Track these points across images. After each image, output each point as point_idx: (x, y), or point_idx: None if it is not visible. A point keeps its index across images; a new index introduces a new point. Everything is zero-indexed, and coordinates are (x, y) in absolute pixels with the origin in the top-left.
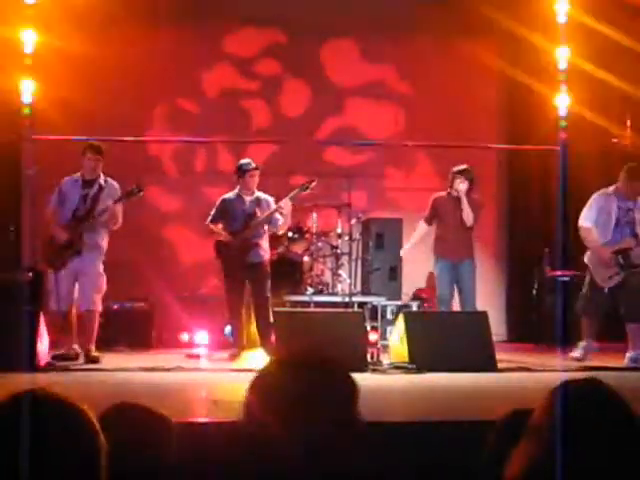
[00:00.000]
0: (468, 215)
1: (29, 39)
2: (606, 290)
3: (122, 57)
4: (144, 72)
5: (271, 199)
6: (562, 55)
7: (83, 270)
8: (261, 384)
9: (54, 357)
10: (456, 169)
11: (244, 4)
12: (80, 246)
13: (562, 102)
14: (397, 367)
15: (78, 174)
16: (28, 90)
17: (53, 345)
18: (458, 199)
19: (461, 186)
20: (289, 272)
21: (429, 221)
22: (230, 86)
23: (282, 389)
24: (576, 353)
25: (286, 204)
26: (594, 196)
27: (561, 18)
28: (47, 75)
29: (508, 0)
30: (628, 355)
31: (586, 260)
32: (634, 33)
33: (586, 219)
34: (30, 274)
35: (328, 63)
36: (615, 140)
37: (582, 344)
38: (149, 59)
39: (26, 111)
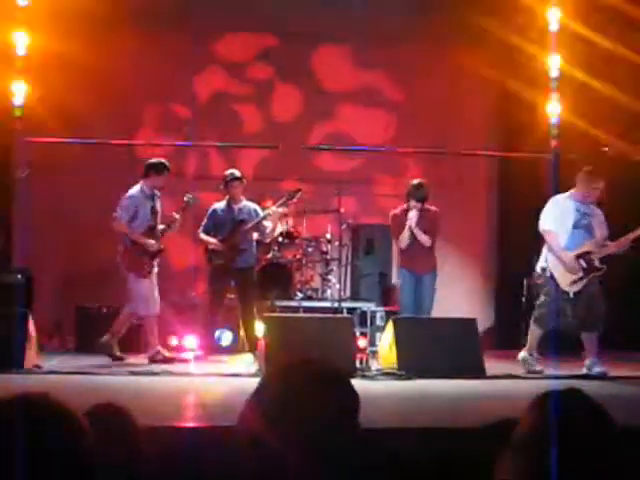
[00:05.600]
0: (423, 241)
1: (21, 42)
2: (571, 294)
3: (114, 60)
4: (136, 76)
5: (259, 207)
6: (554, 63)
7: (154, 277)
8: (262, 392)
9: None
10: (410, 186)
11: (237, 9)
12: (160, 253)
13: (554, 110)
14: (386, 373)
15: (141, 187)
16: (20, 92)
17: (43, 347)
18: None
19: (411, 214)
20: (279, 277)
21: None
22: (222, 90)
23: (283, 397)
24: (535, 367)
25: (274, 212)
26: (553, 199)
27: (553, 26)
28: (39, 78)
29: (500, 8)
30: (585, 363)
31: (546, 266)
32: (625, 41)
33: (548, 222)
34: (20, 276)
35: (320, 69)
36: (606, 149)
37: (535, 356)
38: (141, 63)
39: (18, 113)
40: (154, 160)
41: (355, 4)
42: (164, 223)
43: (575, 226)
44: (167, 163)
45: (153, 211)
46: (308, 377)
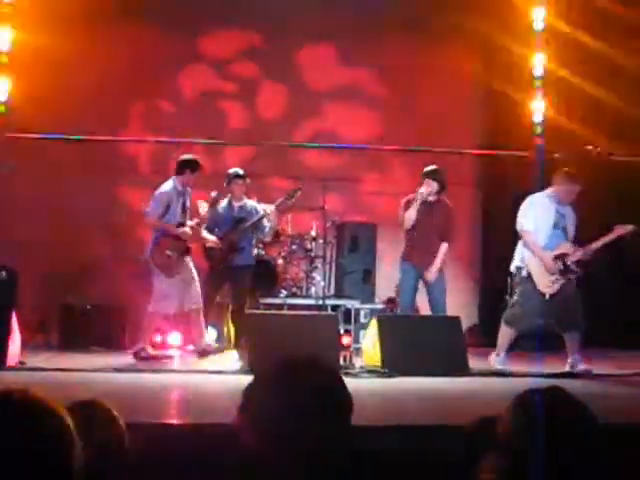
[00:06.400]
0: (409, 217)
1: (6, 36)
2: (547, 297)
3: (99, 56)
4: (121, 72)
5: (259, 206)
6: (539, 61)
7: (189, 273)
8: (257, 389)
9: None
10: (425, 170)
11: (222, 6)
12: (189, 251)
13: (538, 109)
14: (370, 371)
15: (173, 183)
16: (4, 88)
17: (26, 344)
18: (430, 203)
19: (422, 189)
20: (263, 274)
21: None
22: (207, 87)
23: (278, 398)
24: (499, 365)
25: (272, 211)
26: (533, 198)
27: (538, 24)
28: (23, 73)
29: (486, 6)
30: (568, 361)
31: (521, 265)
32: (610, 40)
33: (527, 222)
34: (4, 273)
35: (306, 66)
36: (590, 147)
37: (502, 355)
38: (126, 59)
39: (1, 109)
40: (188, 157)
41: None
42: (192, 220)
43: (555, 227)
44: (200, 160)
45: (183, 208)
46: (304, 378)
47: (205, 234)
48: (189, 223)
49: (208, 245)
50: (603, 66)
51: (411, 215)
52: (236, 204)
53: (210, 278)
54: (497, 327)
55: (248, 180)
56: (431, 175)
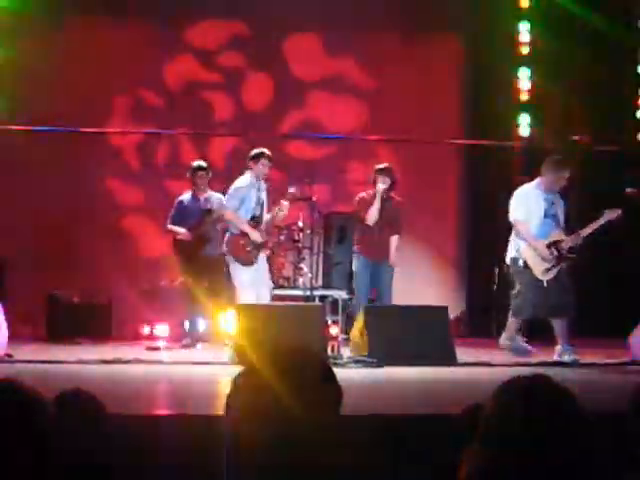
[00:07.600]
0: (372, 214)
1: None
2: (545, 283)
3: (85, 47)
4: (106, 63)
5: (223, 198)
6: (525, 51)
7: (263, 265)
8: (246, 381)
9: None
10: (377, 167)
11: None
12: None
13: (525, 98)
14: (357, 361)
15: (248, 176)
16: None
17: (14, 336)
18: (383, 199)
19: (380, 185)
20: None
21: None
22: (193, 78)
23: (266, 389)
24: (524, 346)
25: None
26: (522, 189)
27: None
28: (7, 65)
29: None
30: (556, 349)
31: (516, 256)
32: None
33: (519, 213)
34: None
35: (291, 56)
36: (576, 137)
37: (519, 338)
38: (112, 50)
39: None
40: (257, 150)
41: None
42: (269, 212)
43: (545, 215)
44: (267, 152)
45: (259, 202)
46: (293, 368)
47: (171, 227)
48: (266, 217)
49: (178, 237)
50: (589, 50)
51: (374, 212)
52: (201, 196)
53: (186, 271)
54: (485, 317)
55: (210, 173)
56: (385, 172)
